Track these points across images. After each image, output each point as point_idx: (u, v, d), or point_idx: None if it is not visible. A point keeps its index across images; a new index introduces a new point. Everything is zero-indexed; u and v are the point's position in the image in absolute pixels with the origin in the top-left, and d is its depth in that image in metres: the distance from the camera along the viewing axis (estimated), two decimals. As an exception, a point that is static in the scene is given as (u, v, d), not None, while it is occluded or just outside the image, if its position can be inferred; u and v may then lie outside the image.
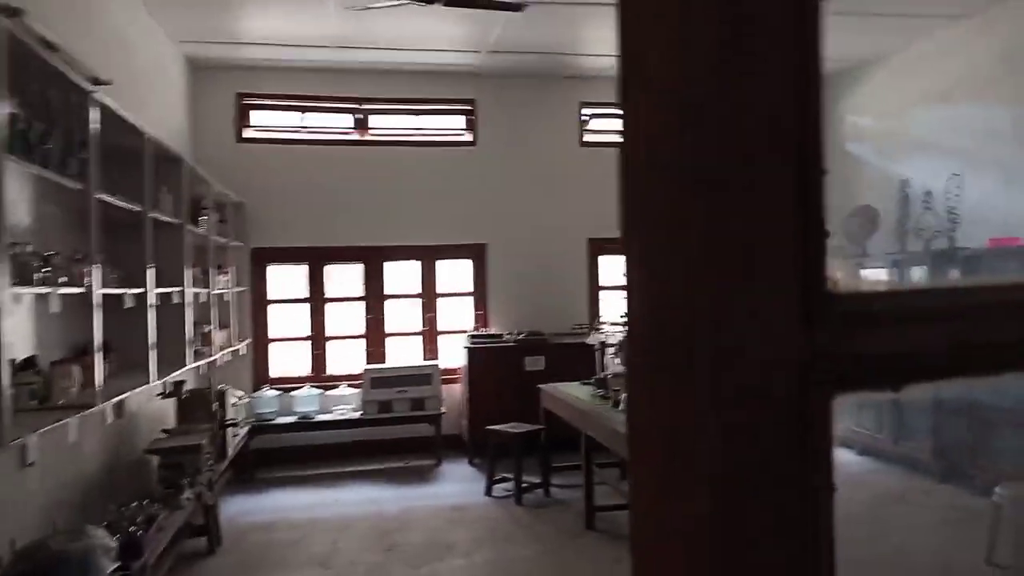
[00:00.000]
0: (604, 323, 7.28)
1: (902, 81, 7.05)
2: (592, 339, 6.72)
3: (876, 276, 6.66)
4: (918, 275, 6.19)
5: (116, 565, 2.98)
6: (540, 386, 5.80)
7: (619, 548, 4.57)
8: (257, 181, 6.82)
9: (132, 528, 3.32)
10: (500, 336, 7.02)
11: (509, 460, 5.66)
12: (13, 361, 3.06)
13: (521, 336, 6.97)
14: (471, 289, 7.47)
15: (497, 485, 5.79)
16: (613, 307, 7.60)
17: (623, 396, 4.58)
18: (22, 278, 2.80)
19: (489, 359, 6.79)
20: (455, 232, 7.34)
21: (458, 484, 6.12)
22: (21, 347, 3.13)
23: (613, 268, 7.79)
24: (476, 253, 7.44)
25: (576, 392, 5.29)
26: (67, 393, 3.26)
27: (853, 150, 7.75)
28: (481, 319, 7.40)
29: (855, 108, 7.73)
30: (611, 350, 6.34)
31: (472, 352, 6.83)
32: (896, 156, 7.11)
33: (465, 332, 7.18)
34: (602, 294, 7.72)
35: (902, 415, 6.22)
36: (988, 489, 5.25)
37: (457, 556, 4.53)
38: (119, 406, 3.72)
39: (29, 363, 3.12)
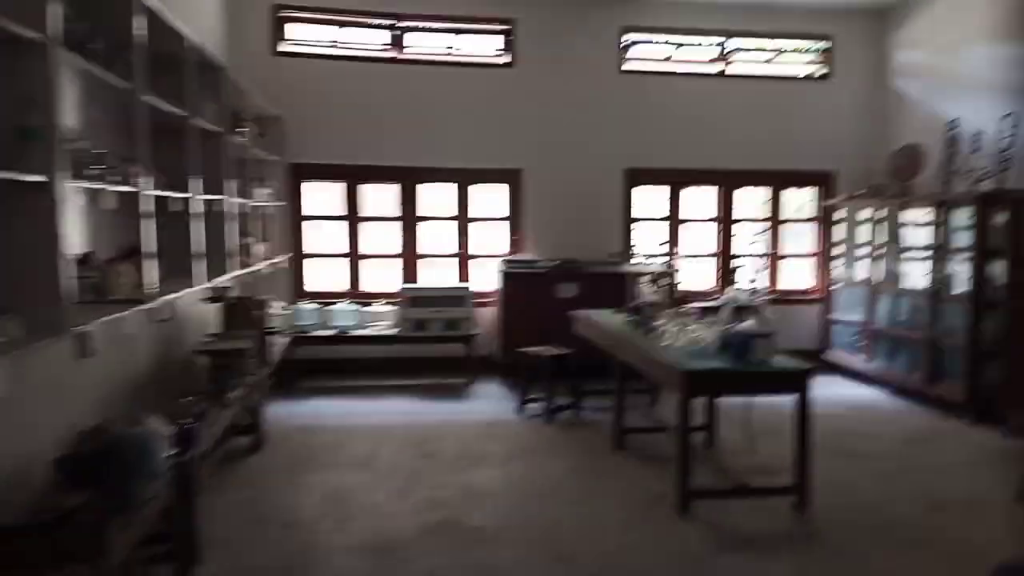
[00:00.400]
0: (638, 253, 7.28)
1: (957, 16, 6.79)
2: (626, 268, 6.73)
3: (915, 217, 6.55)
4: (960, 217, 6.07)
5: (171, 452, 3.10)
6: (573, 312, 5.84)
7: (646, 469, 4.67)
8: (292, 96, 6.76)
9: (184, 420, 3.44)
10: (535, 262, 7.04)
11: (540, 382, 5.75)
12: (76, 255, 3.15)
13: (555, 263, 6.99)
14: (506, 214, 7.46)
15: (528, 405, 5.90)
16: (646, 238, 7.56)
17: (656, 324, 4.66)
18: (77, 173, 2.84)
19: (523, 284, 6.84)
20: (491, 156, 7.30)
21: (491, 402, 6.25)
22: (75, 244, 3.20)
23: (647, 199, 7.72)
24: (512, 178, 7.40)
25: (610, 319, 5.32)
26: (122, 289, 3.35)
27: (902, 87, 7.53)
28: (516, 244, 7.41)
29: (906, 43, 7.48)
30: (645, 279, 6.34)
31: (506, 276, 6.88)
32: (947, 94, 6.90)
33: (500, 256, 7.21)
34: (635, 225, 7.66)
35: (938, 356, 6.20)
36: (1021, 431, 5.28)
37: (491, 466, 4.66)
38: (170, 305, 3.82)
39: (86, 259, 3.20)
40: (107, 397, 3.52)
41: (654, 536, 3.70)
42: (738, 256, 7.86)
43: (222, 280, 4.62)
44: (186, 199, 4.00)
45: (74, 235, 3.20)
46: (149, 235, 3.44)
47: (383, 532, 3.69)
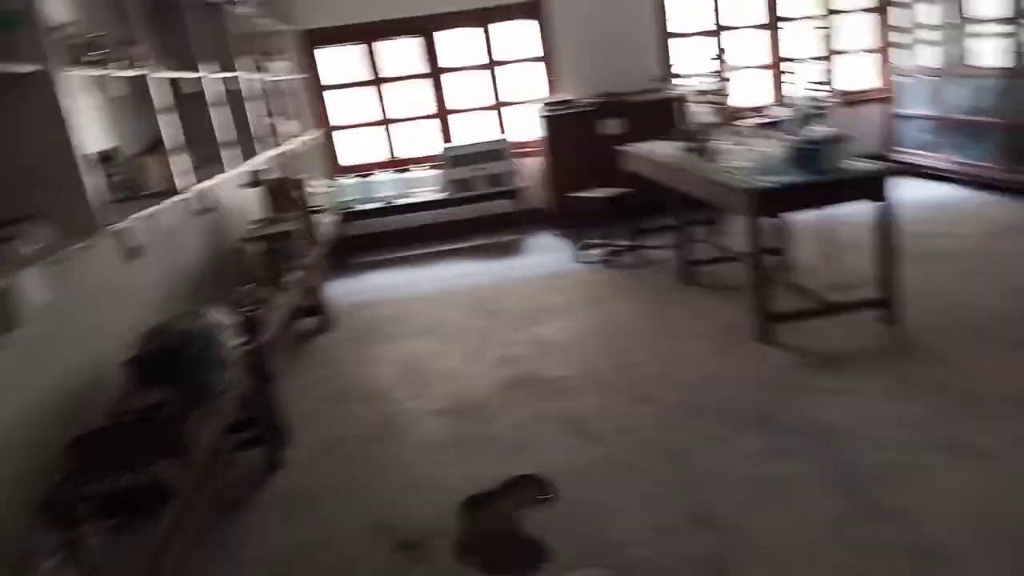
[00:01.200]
0: (681, 73, 6.77)
1: None
2: (671, 92, 6.29)
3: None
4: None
5: (239, 340, 3.04)
6: (622, 148, 5.52)
7: (719, 300, 4.51)
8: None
9: (246, 308, 3.37)
10: (573, 101, 6.62)
11: (595, 227, 5.54)
12: (101, 153, 2.98)
13: (595, 99, 6.57)
14: (536, 54, 6.96)
15: (587, 251, 5.72)
16: (689, 54, 7.01)
17: (712, 146, 4.34)
18: (74, 60, 2.60)
19: (564, 126, 6.47)
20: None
21: (547, 254, 6.08)
22: (95, 142, 3.02)
23: (685, 10, 7.06)
24: (537, 11, 6.84)
25: (662, 149, 4.99)
26: (154, 183, 3.19)
27: None
28: (552, 85, 6.96)
29: None
30: (694, 100, 5.93)
31: (546, 121, 6.51)
32: None
33: (536, 101, 6.79)
34: (674, 42, 7.07)
35: (1018, 140, 5.73)
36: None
37: (558, 318, 4.56)
38: (206, 196, 3.67)
39: (109, 156, 3.03)
40: (165, 295, 3.45)
41: (738, 366, 3.58)
42: (792, 60, 7.26)
43: (255, 163, 4.44)
44: (199, 79, 3.75)
45: (94, 131, 3.03)
46: (170, 122, 3.24)
47: (462, 394, 3.66)
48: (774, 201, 3.69)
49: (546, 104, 6.64)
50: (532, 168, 6.93)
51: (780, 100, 7.01)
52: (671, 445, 2.96)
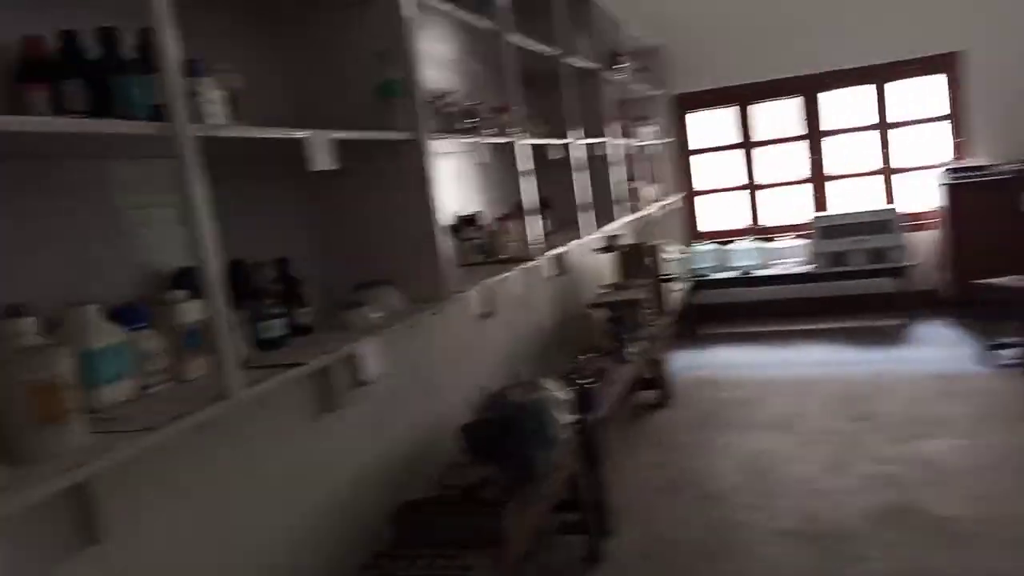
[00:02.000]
0: None
1: None
2: None
3: None
4: None
5: (573, 417, 2.88)
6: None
7: None
8: (671, 21, 6.17)
9: (583, 381, 3.22)
10: (987, 168, 5.50)
11: (1010, 321, 4.43)
12: (460, 217, 3.10)
13: (1017, 166, 5.37)
14: (943, 112, 5.97)
15: (997, 351, 4.60)
16: None
17: None
18: (447, 127, 2.69)
19: (973, 197, 5.41)
20: (918, 42, 5.82)
21: (939, 348, 5.04)
22: (460, 204, 3.14)
23: None
24: (948, 65, 5.86)
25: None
26: (509, 248, 3.22)
27: None
28: (960, 148, 5.89)
29: None
30: None
31: (950, 190, 5.50)
32: None
33: (939, 166, 5.79)
34: None
35: None
36: None
37: (952, 434, 3.64)
38: (559, 260, 3.64)
39: (471, 220, 3.13)
40: (508, 357, 3.46)
41: None
42: None
43: (611, 228, 4.35)
44: (566, 145, 3.76)
45: (456, 196, 3.14)
46: (531, 188, 3.26)
47: (819, 515, 3.04)
48: None
49: (949, 170, 5.61)
50: (925, 244, 5.91)
51: None
52: None
